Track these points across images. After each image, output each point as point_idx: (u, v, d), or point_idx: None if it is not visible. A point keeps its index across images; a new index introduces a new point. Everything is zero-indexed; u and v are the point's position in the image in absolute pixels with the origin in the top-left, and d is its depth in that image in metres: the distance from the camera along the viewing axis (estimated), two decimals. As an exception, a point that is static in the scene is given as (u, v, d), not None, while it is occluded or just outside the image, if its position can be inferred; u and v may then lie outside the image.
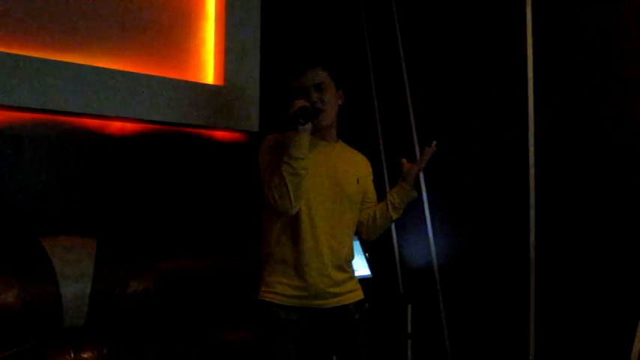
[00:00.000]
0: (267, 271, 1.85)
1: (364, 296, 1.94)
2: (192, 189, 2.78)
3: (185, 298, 2.50)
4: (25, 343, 2.00)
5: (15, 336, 2.03)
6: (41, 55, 2.35)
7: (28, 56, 2.30)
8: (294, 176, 1.72)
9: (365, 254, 2.94)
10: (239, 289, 2.60)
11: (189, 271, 2.55)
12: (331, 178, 1.86)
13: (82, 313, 2.18)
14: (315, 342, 1.85)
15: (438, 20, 2.90)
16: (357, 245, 2.83)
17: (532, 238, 2.41)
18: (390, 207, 1.97)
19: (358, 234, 2.04)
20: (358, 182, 1.93)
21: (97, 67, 2.46)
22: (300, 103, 1.75)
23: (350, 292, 1.89)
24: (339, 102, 1.95)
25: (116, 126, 2.59)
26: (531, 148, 2.43)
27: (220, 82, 2.84)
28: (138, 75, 2.57)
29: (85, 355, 2.05)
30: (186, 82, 2.73)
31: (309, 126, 1.74)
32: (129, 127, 2.62)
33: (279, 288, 1.81)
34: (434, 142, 1.95)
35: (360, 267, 2.82)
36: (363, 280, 1.99)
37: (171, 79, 2.67)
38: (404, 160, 1.99)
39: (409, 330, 2.90)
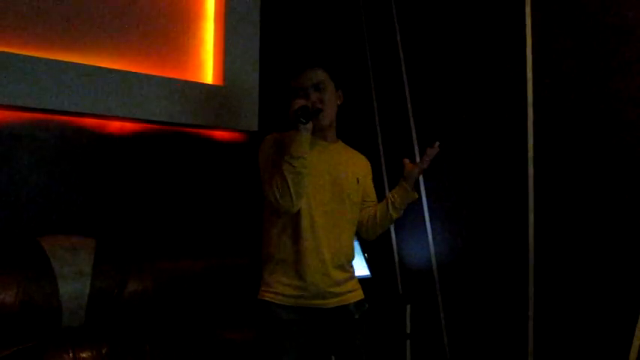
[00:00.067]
0: (267, 271, 1.85)
1: (364, 296, 1.95)
2: (191, 189, 2.78)
3: (184, 298, 2.50)
4: (24, 342, 2.00)
5: (14, 335, 2.03)
6: (40, 54, 2.35)
7: (27, 55, 2.30)
8: (295, 175, 1.72)
9: (364, 254, 2.94)
10: (238, 288, 2.60)
11: (188, 271, 2.55)
12: (331, 178, 1.87)
13: (80, 312, 2.18)
14: (314, 342, 1.85)
15: (437, 21, 2.90)
16: (356, 245, 2.83)
17: (531, 238, 2.42)
18: (390, 207, 1.97)
19: (358, 233, 2.04)
20: (358, 182, 1.94)
21: (97, 67, 2.46)
22: (301, 102, 1.76)
23: (350, 291, 1.89)
24: (339, 102, 1.95)
25: (115, 126, 2.59)
26: (530, 149, 2.43)
27: (220, 82, 2.84)
28: (137, 75, 2.57)
29: (83, 355, 2.05)
30: (186, 81, 2.73)
31: (309, 125, 1.75)
32: (128, 126, 2.62)
33: (280, 288, 1.80)
34: (436, 143, 1.95)
35: (359, 267, 2.82)
36: (362, 281, 1.99)
37: (170, 79, 2.67)
38: (406, 161, 1.99)
39: (408, 330, 2.90)
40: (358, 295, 1.92)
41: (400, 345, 2.91)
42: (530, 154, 2.42)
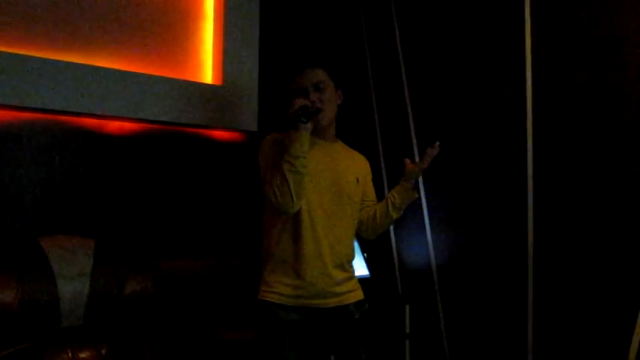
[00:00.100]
0: (268, 271, 1.85)
1: (364, 296, 1.95)
2: (190, 189, 2.78)
3: (183, 298, 2.50)
4: (23, 342, 2.00)
5: (13, 335, 2.02)
6: (39, 54, 2.35)
7: (26, 55, 2.30)
8: (296, 174, 1.72)
9: (363, 254, 2.94)
10: (238, 288, 2.60)
11: (187, 271, 2.55)
12: (331, 178, 1.87)
13: (80, 312, 2.18)
14: (314, 342, 1.85)
15: (436, 21, 2.90)
16: (355, 245, 2.83)
17: (530, 239, 2.42)
18: (390, 206, 1.97)
19: (358, 233, 2.04)
20: (358, 182, 1.94)
21: (96, 67, 2.46)
22: (301, 102, 1.76)
23: (350, 291, 1.89)
24: (338, 102, 1.95)
25: (114, 125, 2.58)
26: (529, 150, 2.43)
27: (219, 82, 2.84)
28: (136, 74, 2.57)
29: (82, 355, 2.05)
30: (185, 81, 2.73)
31: (309, 125, 1.75)
32: (127, 126, 2.62)
33: (280, 288, 1.80)
34: (437, 143, 1.95)
35: (359, 267, 2.82)
36: (361, 280, 1.99)
37: (169, 79, 2.67)
38: (407, 161, 1.99)
39: (407, 330, 2.90)
40: (358, 295, 1.92)
41: (399, 345, 2.91)
42: (529, 154, 2.43)
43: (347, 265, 1.90)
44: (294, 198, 1.73)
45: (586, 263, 2.22)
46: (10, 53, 2.25)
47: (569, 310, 2.28)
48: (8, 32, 2.30)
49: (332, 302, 1.83)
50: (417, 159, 2.24)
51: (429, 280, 2.90)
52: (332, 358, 1.96)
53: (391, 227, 3.12)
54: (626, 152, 2.11)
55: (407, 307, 2.91)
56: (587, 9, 2.24)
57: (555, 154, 2.35)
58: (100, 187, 2.52)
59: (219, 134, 2.91)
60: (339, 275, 1.85)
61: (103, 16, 2.54)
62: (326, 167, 1.87)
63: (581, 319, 2.23)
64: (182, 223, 2.74)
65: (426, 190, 2.91)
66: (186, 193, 2.76)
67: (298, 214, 1.79)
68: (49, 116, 2.40)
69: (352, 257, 1.94)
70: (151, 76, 2.60)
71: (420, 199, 2.90)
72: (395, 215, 1.98)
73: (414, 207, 2.88)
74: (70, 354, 2.02)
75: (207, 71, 2.88)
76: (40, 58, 2.32)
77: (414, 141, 3.00)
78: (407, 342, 2.91)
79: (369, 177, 2.05)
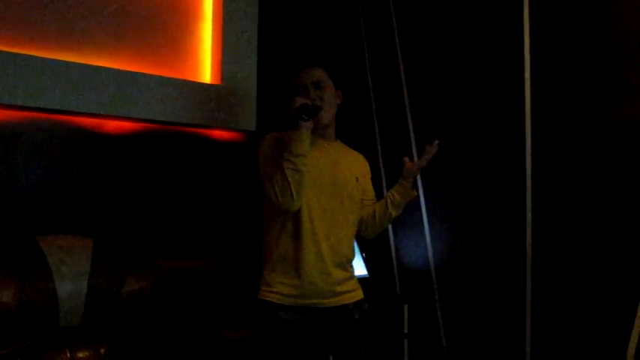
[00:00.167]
0: (267, 270, 1.85)
1: (363, 296, 1.94)
2: (189, 188, 2.78)
3: (182, 298, 2.50)
4: (21, 342, 1.99)
5: (10, 335, 2.01)
6: (37, 53, 2.34)
7: (25, 55, 2.29)
8: (296, 173, 1.72)
9: (362, 254, 2.94)
10: (237, 288, 2.60)
11: (186, 271, 2.54)
12: (331, 177, 1.87)
13: (78, 312, 2.17)
14: (314, 341, 1.85)
15: (435, 21, 2.91)
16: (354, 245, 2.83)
17: (528, 238, 2.42)
18: (389, 205, 1.98)
19: (358, 232, 2.04)
20: (357, 181, 1.94)
21: (94, 66, 2.45)
22: (301, 100, 1.76)
23: (350, 291, 1.89)
24: (338, 101, 1.95)
25: (113, 125, 2.58)
26: (528, 150, 2.43)
27: (217, 82, 2.83)
28: (135, 74, 2.56)
29: (81, 355, 2.04)
30: (183, 81, 2.72)
31: (310, 123, 1.76)
32: (125, 126, 2.61)
33: (279, 287, 1.80)
34: (436, 141, 1.96)
35: (357, 267, 2.82)
36: (359, 280, 1.99)
37: (168, 78, 2.66)
38: (406, 159, 1.99)
39: (406, 330, 2.90)
40: (358, 294, 1.92)
41: (398, 345, 2.91)
42: (528, 154, 2.43)
43: (347, 265, 1.90)
44: (295, 196, 1.73)
45: (584, 262, 2.22)
46: (6, 52, 2.24)
47: (566, 309, 2.28)
48: (5, 31, 2.29)
49: (332, 302, 1.83)
50: (415, 159, 2.24)
51: (427, 279, 2.90)
52: (330, 358, 1.96)
53: (390, 227, 3.12)
54: (625, 152, 2.11)
55: (405, 306, 2.91)
56: (586, 8, 2.25)
57: (554, 153, 2.35)
58: (99, 186, 2.52)
59: (218, 134, 2.90)
60: (339, 275, 1.85)
61: (101, 16, 2.54)
62: (326, 167, 1.87)
63: (579, 318, 2.23)
64: (181, 222, 2.73)
65: (424, 191, 2.91)
66: (184, 193, 2.76)
67: (298, 213, 1.79)
68: (46, 115, 2.39)
69: (352, 257, 1.94)
70: (149, 76, 2.60)
71: (418, 199, 2.90)
72: (394, 213, 1.99)
73: (413, 207, 2.88)
74: (68, 354, 2.01)
75: (205, 71, 2.88)
76: (37, 57, 2.31)
77: (413, 141, 3.00)
78: (405, 342, 2.91)
79: (369, 176, 2.06)
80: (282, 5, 3.16)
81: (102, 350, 2.07)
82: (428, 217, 2.91)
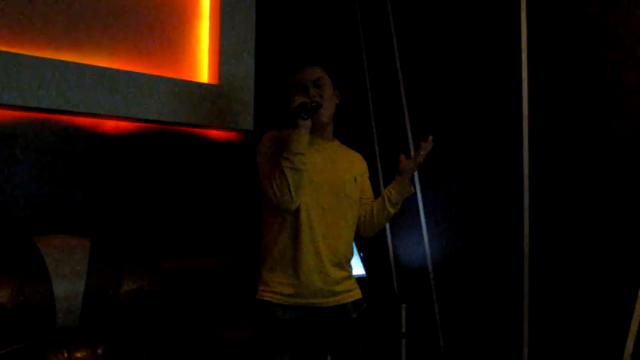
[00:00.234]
0: (266, 269, 1.85)
1: (362, 296, 1.95)
2: (187, 188, 2.77)
3: (180, 297, 2.49)
4: (18, 342, 1.98)
5: (7, 336, 2.01)
6: (36, 53, 2.33)
7: (23, 54, 2.28)
8: (295, 171, 1.72)
9: (359, 254, 2.94)
10: (235, 287, 2.59)
11: (184, 270, 2.54)
12: (329, 177, 1.87)
13: (75, 312, 2.16)
14: (312, 341, 1.85)
15: (433, 20, 2.91)
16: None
17: (526, 237, 2.42)
18: (387, 202, 1.98)
19: (356, 231, 2.05)
20: (355, 180, 1.94)
21: (91, 66, 2.44)
22: (300, 99, 1.77)
23: (348, 291, 1.89)
24: (336, 101, 1.96)
25: (110, 125, 2.57)
26: (525, 149, 2.44)
27: (215, 81, 2.83)
28: (132, 74, 2.56)
29: (78, 355, 2.03)
30: (181, 80, 2.72)
31: (309, 122, 1.76)
32: (123, 125, 2.61)
33: (278, 287, 1.80)
34: (430, 137, 1.96)
35: (355, 266, 2.82)
36: (357, 280, 1.99)
37: (165, 78, 2.66)
38: (402, 156, 2.00)
39: (403, 329, 2.90)
40: (356, 294, 1.92)
41: (395, 344, 2.91)
42: (525, 153, 2.43)
43: (345, 264, 1.90)
44: (293, 195, 1.73)
45: (581, 261, 2.23)
46: (6, 52, 2.23)
47: (564, 309, 2.28)
48: (4, 30, 2.29)
49: (330, 301, 1.83)
50: (413, 155, 2.24)
51: (425, 279, 2.90)
52: (328, 358, 1.96)
53: (387, 227, 3.12)
54: (623, 152, 2.12)
55: (403, 306, 2.91)
56: (584, 8, 2.25)
57: (551, 153, 2.35)
58: (96, 186, 2.51)
59: (216, 133, 2.90)
60: (338, 274, 1.85)
61: (98, 15, 2.53)
62: (324, 166, 1.87)
63: (577, 318, 2.24)
64: (179, 222, 2.73)
65: (422, 190, 2.92)
66: (182, 193, 2.75)
67: (296, 212, 1.79)
68: (44, 115, 2.38)
69: (351, 256, 1.94)
70: (146, 76, 2.59)
71: (416, 198, 2.91)
72: (392, 210, 1.99)
73: (411, 206, 2.89)
74: (65, 354, 2.01)
75: (203, 70, 2.87)
76: (34, 56, 2.30)
77: (410, 140, 3.01)
78: (403, 341, 2.91)
79: (367, 175, 2.06)
80: (280, 5, 3.16)
81: (99, 350, 2.07)
82: (425, 216, 2.91)
